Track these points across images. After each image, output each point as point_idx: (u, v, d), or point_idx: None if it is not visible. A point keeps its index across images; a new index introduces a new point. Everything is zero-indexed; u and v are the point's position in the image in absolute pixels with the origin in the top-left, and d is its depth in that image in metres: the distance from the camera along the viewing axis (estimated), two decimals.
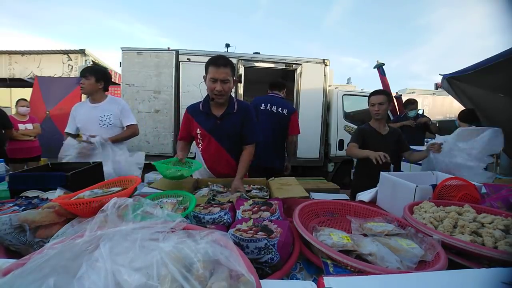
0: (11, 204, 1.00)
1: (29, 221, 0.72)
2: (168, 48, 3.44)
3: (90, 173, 1.22)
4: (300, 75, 3.98)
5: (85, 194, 0.79)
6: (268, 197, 1.30)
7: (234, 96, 1.66)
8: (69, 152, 1.64)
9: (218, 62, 1.38)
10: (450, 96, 3.48)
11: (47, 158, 3.25)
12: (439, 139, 1.88)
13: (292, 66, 3.98)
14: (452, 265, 0.69)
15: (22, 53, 7.17)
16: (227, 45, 4.18)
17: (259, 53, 4.08)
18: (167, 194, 1.02)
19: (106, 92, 2.08)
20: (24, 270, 0.40)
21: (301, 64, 3.97)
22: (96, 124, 1.91)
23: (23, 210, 0.95)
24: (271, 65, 3.95)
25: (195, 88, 3.42)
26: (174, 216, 0.68)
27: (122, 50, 3.46)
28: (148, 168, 3.37)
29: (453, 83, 2.95)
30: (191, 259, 0.50)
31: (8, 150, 3.00)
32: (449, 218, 0.86)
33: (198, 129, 1.58)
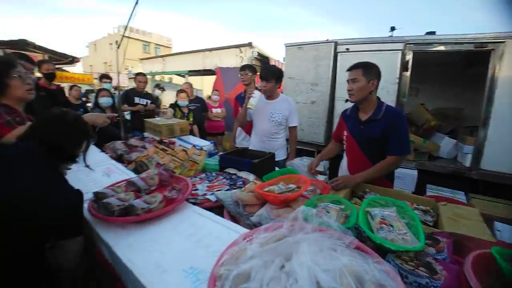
0: (221, 177, 1.48)
1: (241, 199, 1.05)
2: (327, 39, 3.50)
3: (267, 162, 1.64)
4: (500, 57, 2.86)
5: (275, 188, 1.05)
6: (432, 224, 1.14)
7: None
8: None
9: (350, 66, 1.56)
10: None
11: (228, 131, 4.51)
12: None
13: (487, 46, 2.92)
14: None
15: (210, 50, 9.72)
16: (392, 28, 3.66)
17: (434, 32, 3.30)
18: (329, 198, 1.13)
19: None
20: (263, 250, 0.62)
21: (503, 42, 2.83)
22: (265, 118, 2.15)
23: (229, 184, 1.39)
24: (454, 47, 3.07)
25: None
26: (343, 228, 0.77)
27: (286, 46, 3.84)
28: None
29: None
30: (363, 276, 0.58)
31: (206, 127, 4.34)
32: None
33: (345, 132, 1.69)
